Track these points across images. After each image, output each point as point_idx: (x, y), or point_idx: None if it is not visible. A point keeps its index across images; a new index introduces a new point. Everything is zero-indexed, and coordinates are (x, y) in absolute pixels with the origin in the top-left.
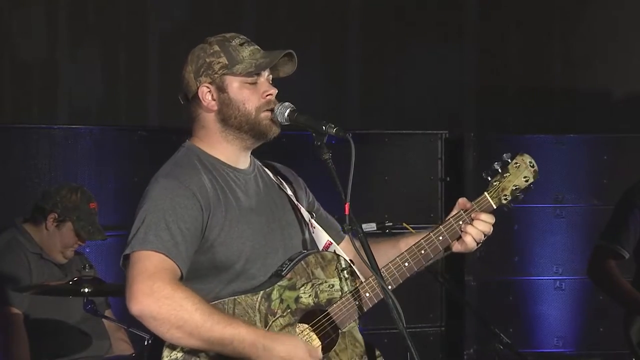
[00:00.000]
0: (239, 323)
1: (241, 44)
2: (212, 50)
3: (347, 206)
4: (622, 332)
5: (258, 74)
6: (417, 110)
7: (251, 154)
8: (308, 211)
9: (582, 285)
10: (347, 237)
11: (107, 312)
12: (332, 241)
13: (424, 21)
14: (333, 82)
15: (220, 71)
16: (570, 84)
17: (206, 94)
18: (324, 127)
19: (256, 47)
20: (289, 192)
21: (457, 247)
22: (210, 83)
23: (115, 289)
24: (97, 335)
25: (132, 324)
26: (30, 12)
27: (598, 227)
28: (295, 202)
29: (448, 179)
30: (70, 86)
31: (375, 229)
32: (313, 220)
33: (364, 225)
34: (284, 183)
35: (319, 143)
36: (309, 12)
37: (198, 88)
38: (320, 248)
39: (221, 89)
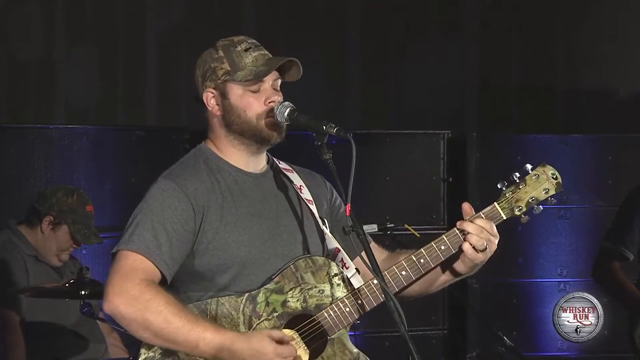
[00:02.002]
0: (205, 325)
1: (246, 50)
2: (216, 56)
3: (348, 207)
4: (626, 335)
5: (262, 81)
6: (419, 109)
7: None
8: (321, 217)
9: (587, 287)
10: (371, 244)
11: (100, 315)
12: (340, 249)
13: (425, 20)
14: (334, 82)
15: (223, 77)
16: (574, 83)
17: (210, 99)
18: (324, 127)
19: (262, 52)
20: (306, 197)
21: (464, 261)
22: (214, 88)
23: None
24: (93, 339)
25: None
26: (27, 11)
27: (603, 228)
28: (311, 208)
29: (450, 179)
30: (67, 86)
31: (376, 230)
32: (324, 227)
33: (365, 226)
34: (303, 188)
35: (319, 143)
36: (309, 12)
37: (204, 92)
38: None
39: (224, 95)
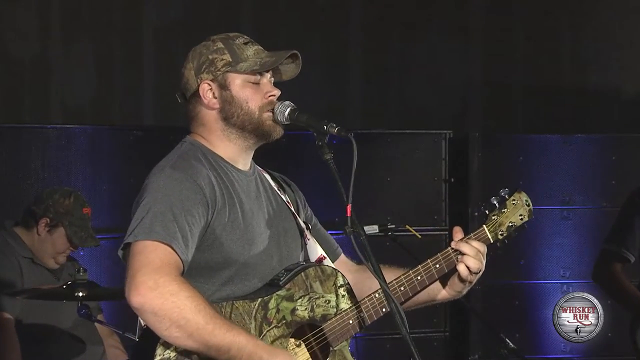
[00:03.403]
0: (239, 330)
1: (245, 43)
2: (215, 47)
3: (348, 208)
4: (629, 337)
5: (261, 74)
6: (421, 109)
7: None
8: (305, 222)
9: (590, 288)
10: (342, 256)
11: (100, 317)
12: (325, 256)
13: (428, 18)
14: (334, 81)
15: (224, 68)
16: (578, 83)
17: (207, 92)
18: (325, 127)
19: (260, 47)
20: (288, 200)
21: (454, 281)
22: (212, 80)
23: (109, 292)
24: (91, 341)
25: (127, 329)
26: (22, 8)
27: (606, 229)
28: (293, 210)
29: (452, 180)
30: (64, 84)
31: (377, 231)
32: (307, 232)
33: (366, 228)
34: (284, 191)
35: (320, 143)
36: (310, 9)
37: (199, 85)
38: (313, 261)
39: (223, 87)
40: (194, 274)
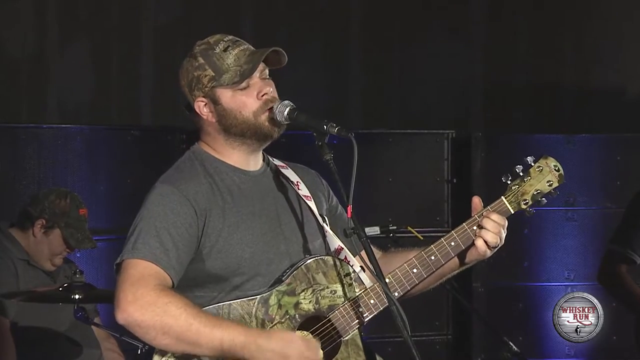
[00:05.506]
0: (227, 324)
1: (225, 49)
2: (197, 64)
3: (349, 209)
4: (634, 339)
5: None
6: (423, 109)
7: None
8: (321, 215)
9: (595, 291)
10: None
11: (96, 320)
12: (343, 246)
13: (430, 17)
14: (335, 80)
15: (210, 84)
16: (581, 83)
17: (202, 108)
18: (325, 127)
19: (242, 48)
20: (304, 194)
21: (470, 255)
22: (204, 96)
23: (106, 294)
24: (88, 344)
25: (125, 332)
26: (18, 6)
27: (611, 230)
28: (309, 205)
29: (455, 180)
30: (60, 84)
31: (378, 232)
32: (325, 225)
33: (367, 229)
34: (300, 185)
35: (320, 143)
36: (310, 7)
37: (194, 102)
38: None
39: (215, 101)
40: (201, 282)
